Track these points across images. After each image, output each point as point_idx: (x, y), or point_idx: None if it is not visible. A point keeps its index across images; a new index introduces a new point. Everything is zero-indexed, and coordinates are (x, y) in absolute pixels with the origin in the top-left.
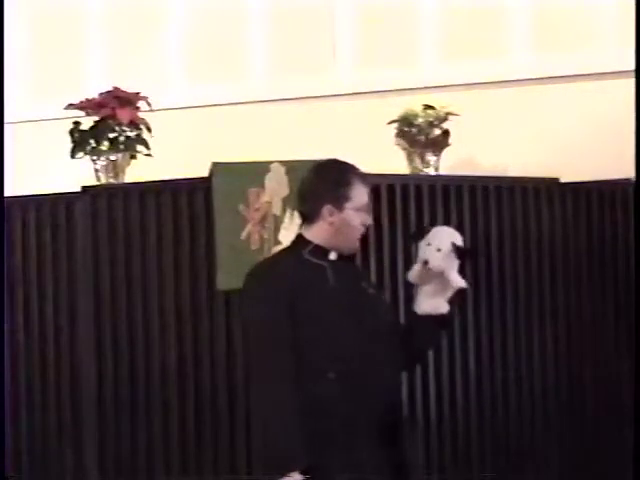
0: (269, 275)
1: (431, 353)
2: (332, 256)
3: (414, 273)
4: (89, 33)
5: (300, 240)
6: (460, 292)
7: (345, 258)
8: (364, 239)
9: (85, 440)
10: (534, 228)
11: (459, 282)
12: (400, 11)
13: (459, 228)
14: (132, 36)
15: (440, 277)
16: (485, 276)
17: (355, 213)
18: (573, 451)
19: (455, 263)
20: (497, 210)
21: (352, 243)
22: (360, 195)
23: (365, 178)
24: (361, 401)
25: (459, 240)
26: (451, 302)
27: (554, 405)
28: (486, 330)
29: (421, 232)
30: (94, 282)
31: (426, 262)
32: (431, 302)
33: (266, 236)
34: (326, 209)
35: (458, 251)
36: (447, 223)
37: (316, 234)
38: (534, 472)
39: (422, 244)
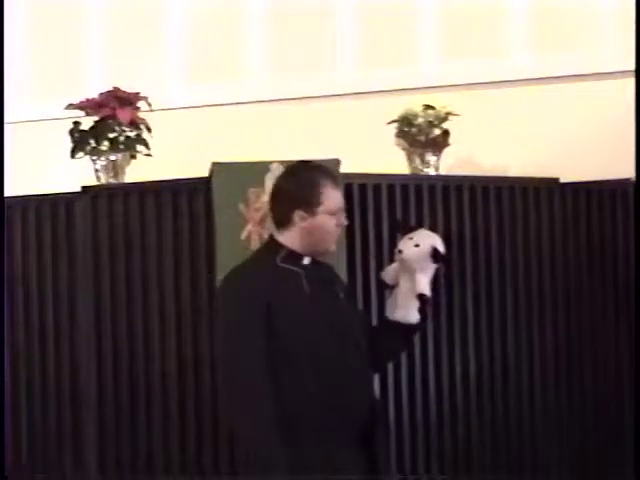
0: (244, 286)
1: (431, 353)
2: (306, 261)
3: (389, 271)
4: (89, 33)
5: (273, 244)
6: (426, 302)
7: (318, 262)
8: (364, 240)
9: (85, 440)
10: (534, 228)
11: (422, 287)
12: (400, 11)
13: (459, 228)
14: (132, 36)
15: (411, 281)
16: (485, 276)
17: (328, 217)
18: (573, 451)
19: (429, 267)
20: (497, 210)
21: (327, 246)
22: (332, 198)
23: (336, 180)
24: (335, 403)
25: (441, 247)
26: (422, 313)
27: (554, 405)
28: (486, 330)
29: (408, 228)
30: (94, 282)
31: (400, 251)
32: (401, 310)
33: (266, 236)
34: (297, 215)
35: (436, 255)
36: (447, 223)
37: (289, 239)
38: (534, 472)
39: (405, 237)
